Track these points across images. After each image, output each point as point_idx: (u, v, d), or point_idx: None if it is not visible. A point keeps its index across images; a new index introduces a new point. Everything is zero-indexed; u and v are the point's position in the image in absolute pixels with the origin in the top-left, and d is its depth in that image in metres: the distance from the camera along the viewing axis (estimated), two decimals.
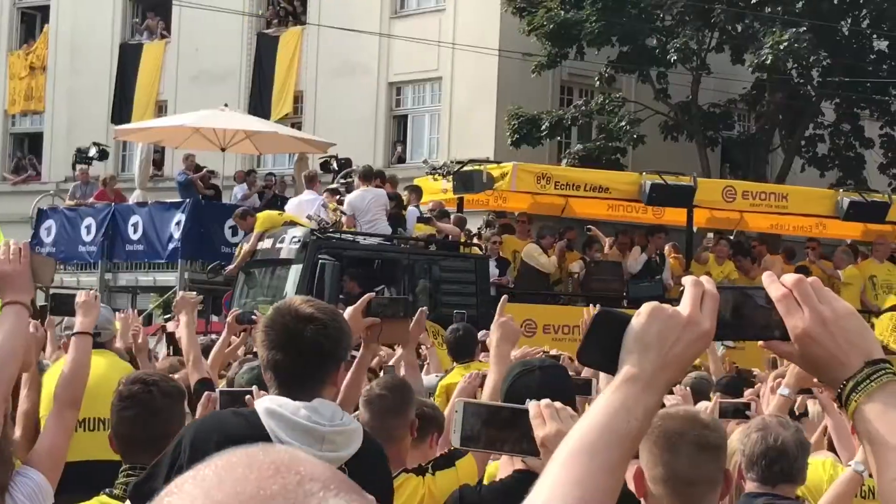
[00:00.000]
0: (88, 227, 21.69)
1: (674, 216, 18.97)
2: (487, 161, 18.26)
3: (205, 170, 22.84)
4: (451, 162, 19.03)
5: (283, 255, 16.71)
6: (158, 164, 30.71)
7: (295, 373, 3.63)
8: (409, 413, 5.03)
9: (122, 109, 32.89)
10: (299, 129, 28.92)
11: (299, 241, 16.48)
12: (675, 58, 26.54)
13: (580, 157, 26.46)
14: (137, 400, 4.26)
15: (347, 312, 4.88)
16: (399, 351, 5.73)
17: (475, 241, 17.98)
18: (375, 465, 3.85)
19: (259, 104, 31.10)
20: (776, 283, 1.98)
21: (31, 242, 21.60)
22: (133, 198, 23.08)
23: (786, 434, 4.76)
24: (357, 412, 5.40)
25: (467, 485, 4.39)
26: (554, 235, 18.27)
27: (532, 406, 2.84)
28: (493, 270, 17.33)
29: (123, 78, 33.65)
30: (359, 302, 4.87)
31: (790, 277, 1.99)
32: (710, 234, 20.38)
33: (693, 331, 1.94)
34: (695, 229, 19.52)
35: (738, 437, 5.00)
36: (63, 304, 5.93)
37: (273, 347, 3.64)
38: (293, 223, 17.15)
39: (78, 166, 24.22)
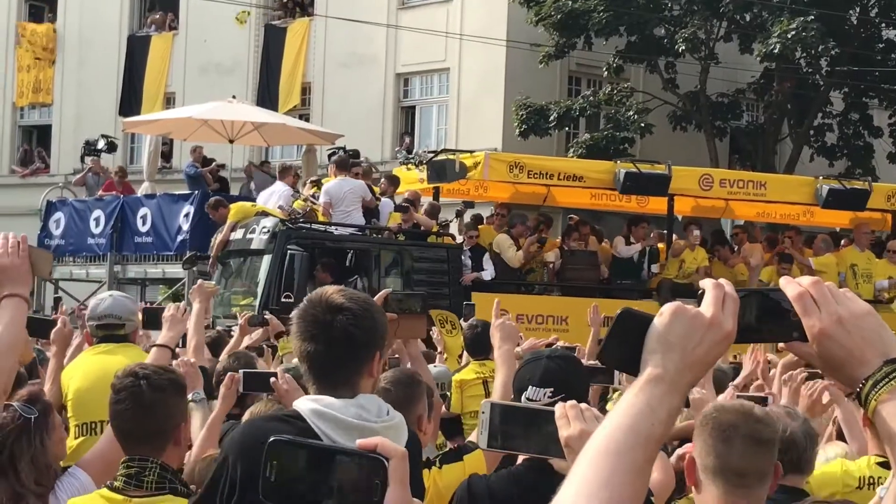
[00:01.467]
0: (97, 220, 21.72)
1: (657, 205, 18.78)
2: (460, 150, 18.19)
3: (214, 163, 22.86)
4: (424, 151, 18.95)
5: (254, 245, 16.69)
6: (167, 156, 30.74)
7: (329, 364, 3.60)
8: (417, 407, 5.01)
9: (130, 102, 32.93)
10: (307, 120, 28.93)
11: (269, 231, 16.49)
12: (684, 47, 26.48)
13: (588, 147, 26.42)
14: (127, 394, 4.24)
15: None
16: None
17: (448, 230, 17.87)
18: (416, 455, 3.86)
19: (267, 96, 31.11)
20: (793, 284, 1.99)
21: (40, 235, 21.81)
22: (141, 190, 23.11)
23: (794, 425, 4.76)
24: None
25: (476, 474, 4.39)
26: (526, 224, 18.23)
27: (558, 407, 2.86)
28: (467, 261, 17.14)
29: (132, 70, 33.69)
30: (376, 297, 4.88)
31: (807, 279, 2.01)
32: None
33: (716, 332, 1.95)
34: (679, 218, 19.41)
35: None
36: (154, 319, 6.06)
37: (306, 339, 3.61)
38: (265, 213, 17.15)
39: (88, 158, 24.26)
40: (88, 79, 34.46)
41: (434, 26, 28.85)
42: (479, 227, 18.10)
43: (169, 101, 32.84)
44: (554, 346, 9.01)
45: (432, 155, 18.04)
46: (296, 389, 5.18)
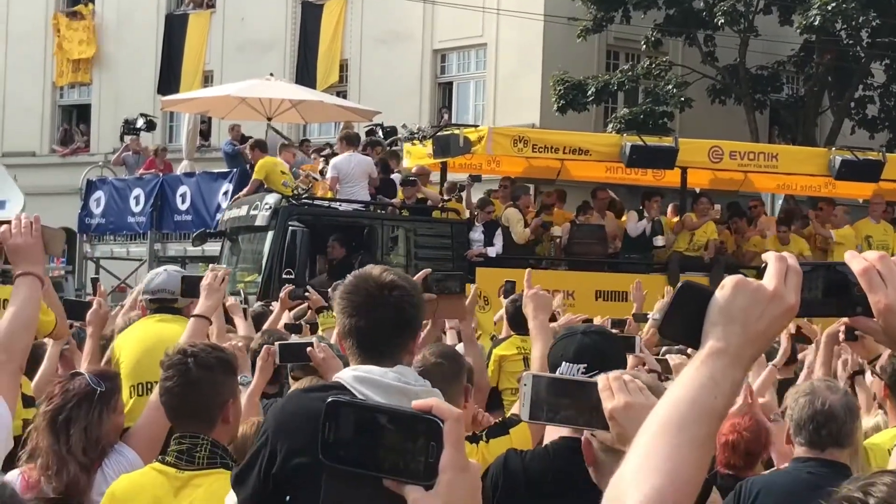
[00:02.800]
0: (137, 198, 21.87)
1: (673, 177, 18.64)
2: (465, 125, 18.11)
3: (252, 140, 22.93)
4: (429, 126, 18.91)
5: (257, 222, 16.77)
6: (205, 134, 30.85)
7: (378, 339, 3.65)
8: (463, 379, 5.05)
9: (168, 80, 33.04)
10: (344, 97, 28.94)
11: (271, 208, 16.53)
12: (723, 20, 26.26)
13: (627, 122, 26.28)
14: (175, 371, 4.31)
15: None
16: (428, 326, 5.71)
17: (454, 204, 17.82)
18: None
19: (305, 73, 31.14)
20: (859, 259, 1.98)
21: (81, 214, 22.00)
22: (180, 168, 23.22)
23: (833, 398, 4.74)
24: None
25: (513, 449, 4.40)
26: (529, 195, 18.09)
27: (601, 378, 2.85)
28: (479, 236, 17.14)
29: (170, 49, 33.79)
30: (415, 277, 4.90)
31: (873, 253, 1.99)
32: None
33: (778, 305, 1.93)
34: (697, 191, 19.29)
35: (788, 402, 4.99)
36: (192, 287, 6.11)
37: (355, 314, 3.66)
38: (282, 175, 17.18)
39: (127, 137, 24.39)
40: (127, 58, 34.61)
41: (471, 2, 28.74)
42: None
43: (207, 80, 32.93)
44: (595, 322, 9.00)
45: (436, 130, 18.01)
46: (332, 357, 5.22)
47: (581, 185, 20.47)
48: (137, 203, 21.82)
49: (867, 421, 5.88)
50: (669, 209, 18.85)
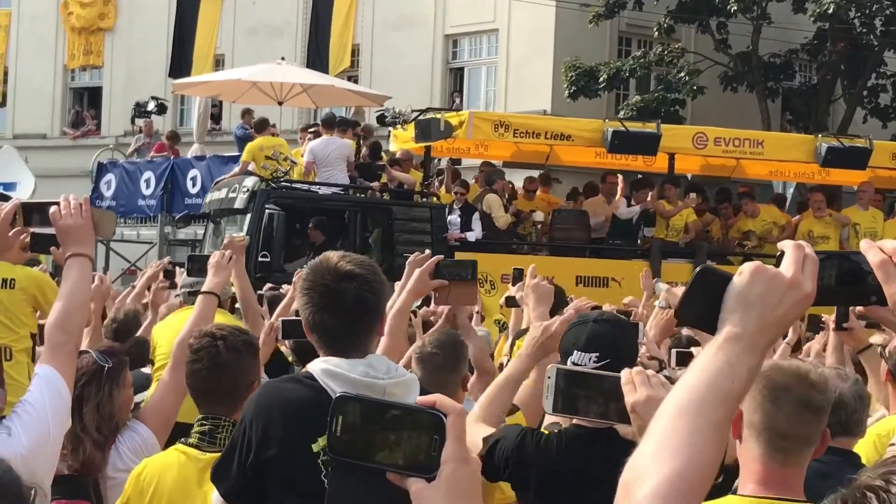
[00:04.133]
0: (148, 181, 21.91)
1: (664, 163, 18.61)
2: (446, 109, 18.10)
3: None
4: (410, 110, 18.96)
5: (236, 204, 16.85)
6: (216, 118, 30.86)
7: (343, 332, 3.64)
8: (462, 369, 5.06)
9: (180, 63, 33.01)
10: (356, 82, 28.92)
11: (248, 190, 16.57)
12: (736, 7, 26.19)
13: (639, 109, 26.23)
14: (204, 354, 4.34)
15: (415, 275, 4.91)
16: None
17: (431, 189, 17.87)
18: None
19: (317, 58, 31.06)
20: (874, 249, 1.99)
21: (91, 196, 22.06)
22: (191, 152, 23.24)
23: (844, 386, 4.72)
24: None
25: (529, 430, 4.32)
26: (504, 180, 18.09)
27: (624, 373, 2.89)
28: (456, 220, 17.16)
29: (181, 32, 33.71)
30: (426, 264, 4.90)
31: (889, 243, 1.99)
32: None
33: (795, 293, 1.94)
34: (689, 177, 19.18)
35: None
36: (200, 265, 6.15)
37: (317, 309, 3.64)
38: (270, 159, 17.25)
39: (138, 120, 24.41)
40: (138, 41, 34.63)
41: None
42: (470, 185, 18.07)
43: (218, 63, 32.89)
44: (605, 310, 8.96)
45: (417, 114, 18.04)
46: None
47: (579, 170, 20.51)
48: (148, 186, 21.86)
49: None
50: (651, 198, 18.81)
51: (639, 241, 18.23)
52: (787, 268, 1.95)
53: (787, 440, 3.32)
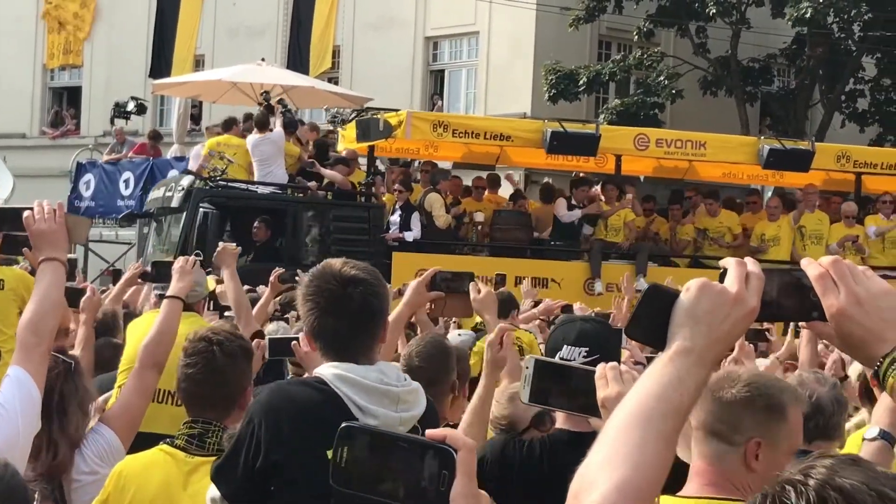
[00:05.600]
0: (127, 181, 21.83)
1: (624, 165, 18.72)
2: (386, 109, 18.10)
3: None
4: (351, 110, 18.95)
5: (172, 203, 16.86)
6: (196, 118, 30.77)
7: (348, 337, 3.64)
8: (450, 377, 5.05)
9: (160, 64, 32.92)
10: (336, 83, 28.88)
11: (184, 189, 16.60)
12: (715, 11, 26.30)
13: (618, 112, 26.30)
14: (200, 358, 4.32)
15: (412, 286, 4.94)
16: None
17: (372, 189, 17.83)
18: (435, 422, 3.90)
19: (298, 59, 31.00)
20: (814, 265, 2.02)
21: (70, 196, 21.96)
22: (171, 152, 23.16)
23: (822, 390, 4.76)
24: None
25: (512, 437, 4.38)
26: (448, 180, 18.13)
27: (598, 367, 2.92)
28: (396, 219, 17.15)
29: (161, 32, 33.63)
30: (424, 275, 4.94)
31: (827, 259, 2.03)
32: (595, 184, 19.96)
33: (741, 308, 1.98)
34: (642, 179, 19.10)
35: None
36: (164, 272, 6.14)
37: (323, 314, 3.64)
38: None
39: (117, 121, 24.32)
40: (118, 41, 34.50)
41: None
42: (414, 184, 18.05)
43: (198, 64, 32.82)
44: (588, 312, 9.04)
45: (356, 114, 18.03)
46: (315, 351, 5.24)
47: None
48: (127, 186, 21.78)
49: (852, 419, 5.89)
50: (589, 198, 18.81)
51: (582, 241, 18.23)
52: (731, 284, 1.99)
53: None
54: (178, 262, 5.68)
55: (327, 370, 3.61)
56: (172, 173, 21.20)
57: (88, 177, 22.46)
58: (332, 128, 19.59)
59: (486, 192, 18.91)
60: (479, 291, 5.13)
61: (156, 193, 17.86)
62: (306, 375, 4.25)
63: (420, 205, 17.39)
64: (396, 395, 3.59)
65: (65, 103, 37.06)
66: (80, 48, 35.92)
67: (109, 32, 34.99)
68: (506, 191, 19.67)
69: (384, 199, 17.80)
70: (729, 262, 2.03)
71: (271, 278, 9.33)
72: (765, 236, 18.01)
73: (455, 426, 5.01)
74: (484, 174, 19.37)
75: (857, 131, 27.92)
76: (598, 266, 17.23)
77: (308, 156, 18.00)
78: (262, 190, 16.99)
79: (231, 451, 3.64)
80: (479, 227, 18.00)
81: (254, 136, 17.26)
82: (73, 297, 7.34)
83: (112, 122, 24.82)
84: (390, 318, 4.59)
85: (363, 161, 18.39)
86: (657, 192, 20.23)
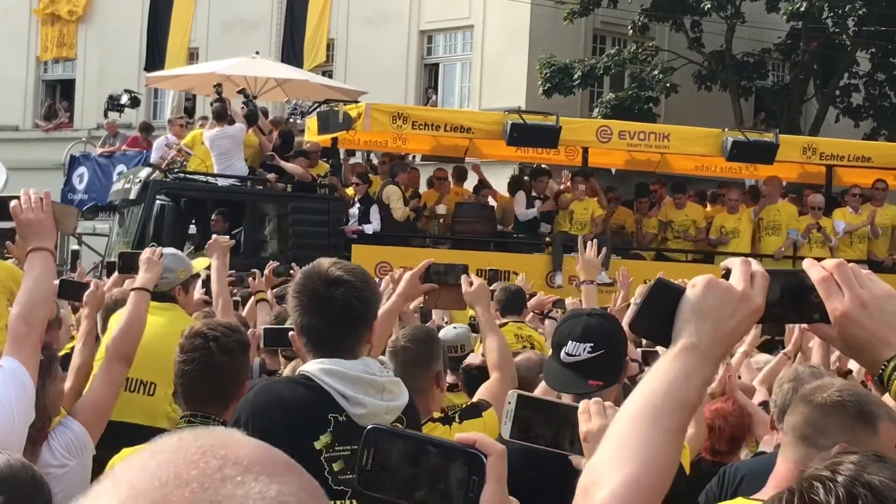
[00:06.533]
0: (120, 174, 21.76)
1: (595, 158, 18.76)
2: (345, 101, 18.02)
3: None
4: (311, 102, 18.86)
5: (130, 196, 16.88)
6: (190, 111, 30.71)
7: (330, 336, 3.68)
8: (435, 365, 5.04)
9: (154, 56, 32.88)
10: (330, 77, 28.86)
11: (141, 182, 16.61)
12: (709, 6, 26.30)
13: (612, 106, 26.30)
14: (197, 355, 4.28)
15: (406, 278, 4.94)
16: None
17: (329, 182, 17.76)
18: (416, 414, 3.96)
19: (292, 52, 30.97)
20: (817, 267, 2.01)
21: (64, 189, 21.95)
22: None
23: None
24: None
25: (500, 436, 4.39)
26: (407, 172, 18.12)
27: (582, 403, 2.91)
28: (356, 212, 17.12)
29: (155, 25, 33.59)
30: (417, 268, 4.95)
31: (831, 261, 2.02)
32: (565, 173, 19.83)
33: (746, 306, 1.97)
34: (613, 171, 18.97)
35: (773, 389, 5.00)
36: (131, 263, 6.10)
37: (306, 312, 3.69)
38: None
39: (109, 113, 24.27)
40: (112, 33, 34.44)
41: None
42: (373, 176, 18.01)
43: (192, 57, 32.78)
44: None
45: (315, 106, 17.97)
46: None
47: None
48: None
49: None
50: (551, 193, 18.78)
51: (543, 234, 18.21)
52: (736, 282, 1.98)
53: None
54: (146, 253, 5.65)
55: (312, 366, 3.66)
56: None
57: (82, 170, 22.42)
58: (291, 120, 19.54)
59: (453, 185, 18.86)
60: (471, 284, 5.12)
61: (118, 185, 17.92)
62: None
63: (378, 197, 17.34)
64: (381, 385, 3.65)
65: (58, 96, 36.99)
66: (73, 40, 35.85)
67: (103, 25, 34.92)
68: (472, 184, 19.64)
69: (349, 191, 17.75)
70: (734, 262, 2.02)
71: (266, 271, 9.35)
72: (724, 229, 18.00)
73: (438, 420, 4.99)
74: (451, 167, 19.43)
75: (851, 126, 27.93)
76: (559, 259, 17.17)
77: (273, 147, 17.89)
78: (221, 182, 16.95)
79: None
80: (441, 220, 17.94)
81: (211, 131, 17.16)
82: (75, 290, 7.31)
83: (106, 115, 24.78)
84: (382, 309, 4.59)
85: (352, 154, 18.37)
86: (631, 185, 20.19)
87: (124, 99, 24.09)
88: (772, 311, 2.01)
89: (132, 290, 5.36)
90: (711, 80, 28.27)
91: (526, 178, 19.08)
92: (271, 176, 17.15)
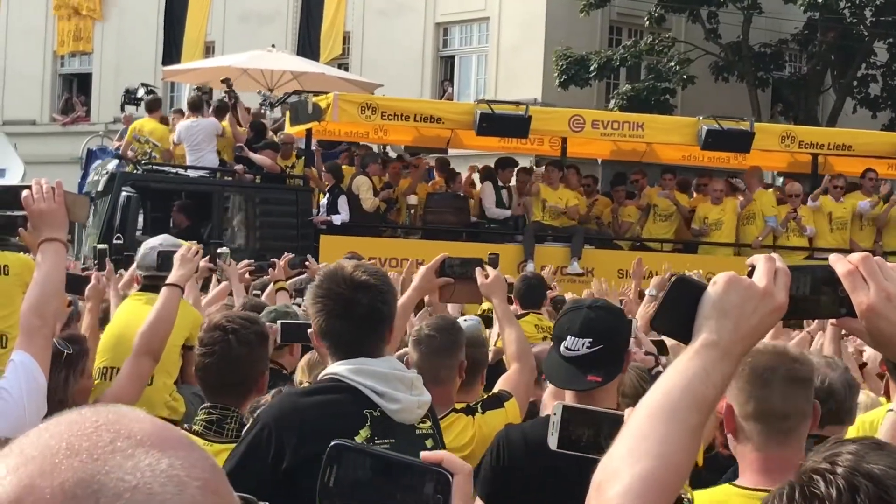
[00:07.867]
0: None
1: (574, 148, 18.64)
2: (316, 92, 17.93)
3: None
4: (283, 94, 18.79)
5: (99, 187, 16.94)
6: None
7: (354, 339, 3.68)
8: (459, 355, 5.04)
9: (171, 50, 32.92)
10: (346, 69, 28.87)
11: (108, 173, 16.65)
12: None
13: (629, 98, 26.25)
14: (217, 348, 4.29)
15: (421, 272, 4.95)
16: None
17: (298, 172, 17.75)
18: (434, 414, 3.96)
19: (308, 45, 30.98)
20: (843, 261, 2.00)
21: (81, 183, 22.00)
22: None
23: (833, 375, 4.73)
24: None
25: (511, 424, 4.43)
26: (378, 163, 18.05)
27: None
28: (325, 202, 17.11)
29: (172, 18, 33.62)
30: (433, 262, 4.95)
31: (856, 255, 2.01)
32: (531, 161, 19.75)
33: (769, 303, 1.96)
34: (599, 161, 18.77)
35: None
36: (168, 261, 6.12)
37: (331, 317, 3.68)
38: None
39: (126, 107, 24.30)
40: (129, 27, 34.51)
41: None
42: (343, 167, 17.91)
43: (209, 50, 32.81)
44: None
45: (284, 97, 17.91)
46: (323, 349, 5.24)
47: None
48: None
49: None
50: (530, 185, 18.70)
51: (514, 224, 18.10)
52: (759, 278, 1.97)
53: (788, 419, 3.33)
54: (181, 250, 5.66)
55: (338, 367, 3.64)
56: None
57: (98, 163, 22.43)
58: (262, 110, 19.53)
59: (437, 176, 18.87)
60: (486, 276, 5.12)
61: (92, 177, 17.92)
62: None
63: (349, 188, 17.29)
64: (410, 380, 3.67)
65: (75, 90, 37.07)
66: (90, 35, 35.92)
67: (119, 19, 34.98)
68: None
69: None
70: (758, 259, 2.01)
71: (281, 263, 9.36)
72: (707, 219, 17.90)
73: (461, 410, 5.01)
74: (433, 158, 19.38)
75: (869, 116, 27.82)
76: (531, 248, 17.10)
77: (245, 139, 17.88)
78: (190, 174, 16.94)
79: (248, 447, 3.60)
80: (413, 211, 17.87)
81: (185, 122, 17.18)
82: (77, 284, 7.31)
83: (122, 109, 24.81)
84: (398, 302, 4.59)
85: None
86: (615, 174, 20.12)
87: (141, 93, 24.08)
88: (798, 307, 2.01)
89: (165, 285, 5.36)
90: (728, 71, 28.19)
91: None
92: (239, 167, 17.12)
